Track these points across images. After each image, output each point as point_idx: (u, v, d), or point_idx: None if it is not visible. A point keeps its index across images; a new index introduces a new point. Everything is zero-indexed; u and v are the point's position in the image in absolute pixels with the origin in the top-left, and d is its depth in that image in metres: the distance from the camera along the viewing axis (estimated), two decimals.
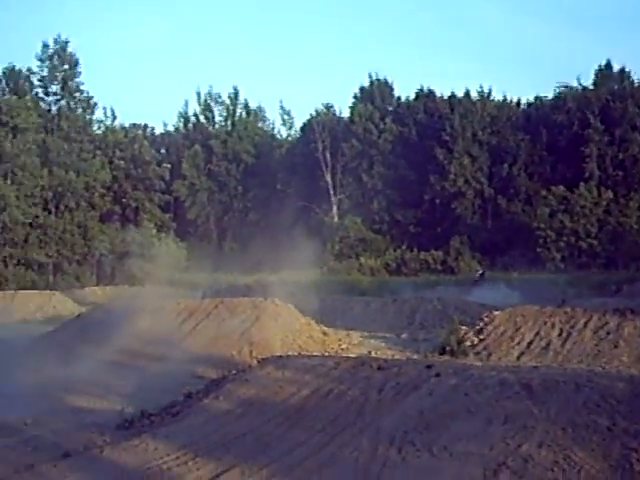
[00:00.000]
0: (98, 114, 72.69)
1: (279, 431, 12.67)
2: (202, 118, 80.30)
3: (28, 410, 17.01)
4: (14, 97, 63.69)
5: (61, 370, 22.62)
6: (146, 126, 79.44)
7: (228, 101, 79.06)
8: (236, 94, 78.92)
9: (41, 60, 67.51)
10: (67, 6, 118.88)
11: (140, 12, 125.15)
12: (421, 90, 71.11)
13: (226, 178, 75.05)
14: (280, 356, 17.59)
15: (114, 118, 74.93)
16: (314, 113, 74.12)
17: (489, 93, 68.36)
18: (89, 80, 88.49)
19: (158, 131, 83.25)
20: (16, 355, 25.54)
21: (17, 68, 67.94)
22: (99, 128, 73.07)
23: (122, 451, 12.65)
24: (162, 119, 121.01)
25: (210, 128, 79.18)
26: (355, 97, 73.54)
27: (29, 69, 68.18)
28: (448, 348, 23.64)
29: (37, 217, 63.09)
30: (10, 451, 14.08)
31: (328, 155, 70.61)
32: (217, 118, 79.75)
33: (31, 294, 52.36)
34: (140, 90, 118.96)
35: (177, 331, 25.63)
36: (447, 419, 11.81)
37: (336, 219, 69.95)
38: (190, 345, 24.34)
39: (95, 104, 70.79)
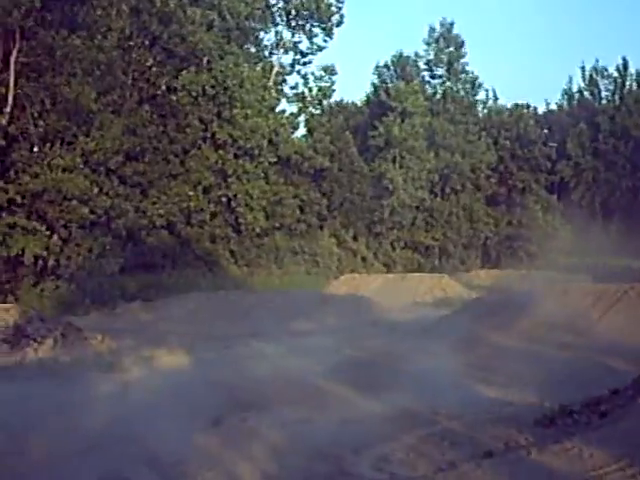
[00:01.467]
0: (480, 95, 72.05)
1: None
2: (587, 94, 77.19)
3: (436, 399, 16.19)
4: (402, 82, 64.61)
5: (461, 355, 21.75)
6: (529, 105, 77.46)
7: (616, 74, 75.04)
8: (625, 65, 74.62)
9: (427, 44, 68.33)
10: None
11: None
12: None
13: (613, 156, 71.37)
14: None
15: (496, 99, 73.90)
16: None
17: None
18: (472, 61, 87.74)
19: (541, 110, 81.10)
20: (414, 339, 25.17)
21: (405, 54, 69.08)
22: (483, 109, 72.38)
23: (552, 455, 11.15)
24: (544, 97, 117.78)
25: (596, 104, 75.68)
26: None
27: (416, 54, 69.18)
28: None
29: (424, 200, 63.41)
30: (426, 445, 13.24)
31: None
32: (603, 93, 76.24)
33: (421, 276, 52.68)
34: (521, 69, 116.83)
35: (584, 317, 23.69)
36: None
37: None
38: (599, 333, 22.34)
39: (480, 85, 70.33)
